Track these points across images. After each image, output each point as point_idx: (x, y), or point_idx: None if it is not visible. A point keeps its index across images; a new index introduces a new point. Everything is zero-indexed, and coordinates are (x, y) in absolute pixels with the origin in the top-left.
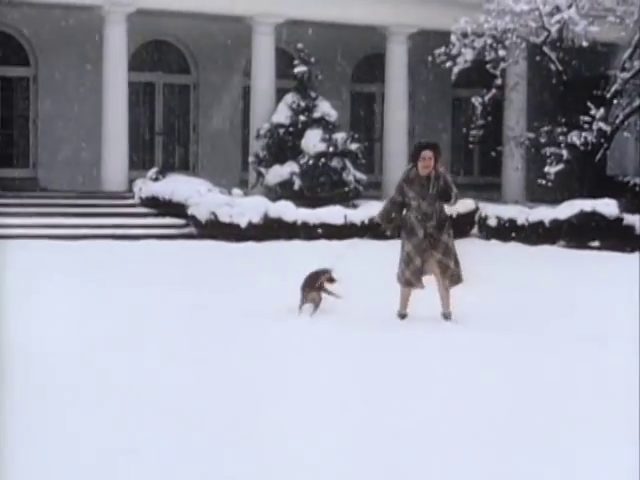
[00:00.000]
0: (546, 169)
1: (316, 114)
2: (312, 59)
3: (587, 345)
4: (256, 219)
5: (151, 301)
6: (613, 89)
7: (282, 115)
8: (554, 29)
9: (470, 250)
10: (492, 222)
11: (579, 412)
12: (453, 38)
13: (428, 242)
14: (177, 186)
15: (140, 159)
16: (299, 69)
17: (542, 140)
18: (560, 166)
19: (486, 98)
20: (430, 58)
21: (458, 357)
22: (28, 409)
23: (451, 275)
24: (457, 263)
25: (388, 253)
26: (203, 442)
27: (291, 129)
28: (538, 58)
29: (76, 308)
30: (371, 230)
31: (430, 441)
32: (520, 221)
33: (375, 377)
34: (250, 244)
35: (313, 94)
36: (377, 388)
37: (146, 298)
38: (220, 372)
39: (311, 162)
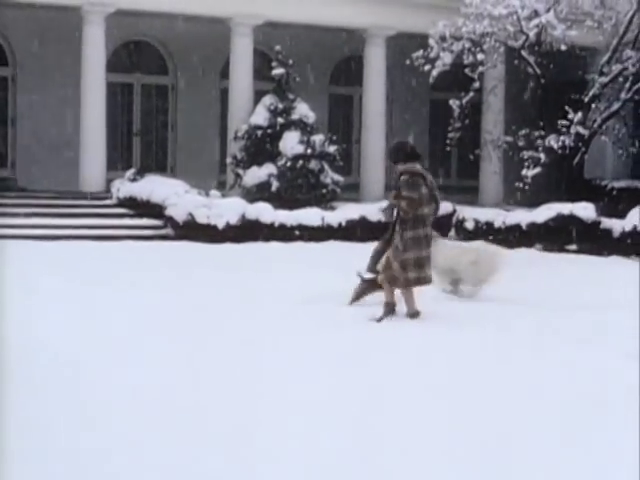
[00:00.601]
0: (523, 172)
1: (294, 116)
2: (290, 61)
3: (570, 346)
4: (233, 220)
5: (137, 301)
6: (591, 93)
7: (260, 117)
8: (532, 33)
9: None
10: (469, 225)
11: (566, 414)
12: (431, 41)
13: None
14: (155, 187)
15: (118, 160)
16: (277, 71)
17: (520, 143)
18: (537, 169)
19: (464, 101)
20: (408, 61)
21: (441, 358)
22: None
23: (389, 276)
24: (402, 268)
25: None
26: (202, 438)
27: (269, 131)
28: (516, 62)
29: (62, 308)
30: None
31: (425, 443)
32: (497, 224)
33: (366, 377)
34: (227, 245)
35: (291, 96)
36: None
37: (131, 299)
38: (216, 370)
39: (289, 164)
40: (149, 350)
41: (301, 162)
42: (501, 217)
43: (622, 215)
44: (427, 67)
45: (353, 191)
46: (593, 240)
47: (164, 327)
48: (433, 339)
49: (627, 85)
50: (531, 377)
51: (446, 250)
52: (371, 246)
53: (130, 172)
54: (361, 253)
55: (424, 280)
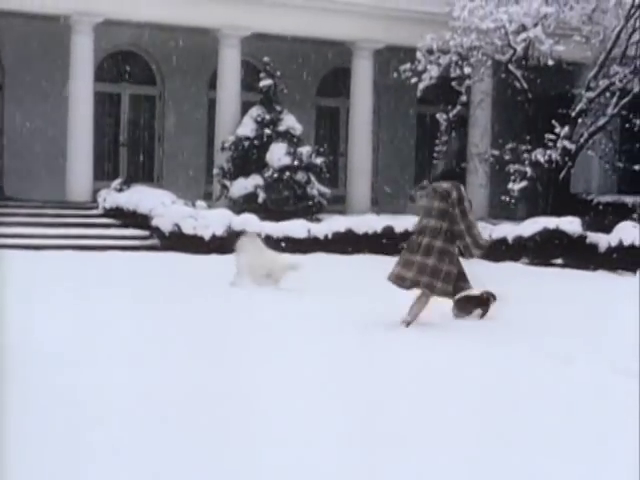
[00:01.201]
0: (510, 186)
1: (281, 127)
2: (278, 72)
3: (554, 361)
4: (220, 232)
5: (127, 310)
6: (578, 108)
7: (247, 128)
8: (520, 47)
9: None
10: None
11: (543, 425)
12: (419, 54)
13: None
14: (141, 197)
15: (105, 170)
16: (265, 82)
17: (506, 157)
18: (524, 183)
19: (451, 115)
20: (396, 74)
21: (431, 366)
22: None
23: None
24: None
25: None
26: (195, 435)
27: (256, 142)
28: (503, 76)
29: (44, 317)
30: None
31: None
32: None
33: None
34: (213, 257)
35: (278, 107)
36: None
37: (115, 309)
38: (210, 370)
39: (276, 175)
40: (136, 354)
41: (288, 174)
42: (487, 230)
43: (608, 230)
44: (414, 80)
45: (339, 203)
46: (579, 254)
47: (143, 335)
48: (426, 350)
49: (614, 100)
50: (517, 392)
51: (261, 252)
52: (357, 258)
53: (117, 182)
54: (343, 266)
55: (389, 275)
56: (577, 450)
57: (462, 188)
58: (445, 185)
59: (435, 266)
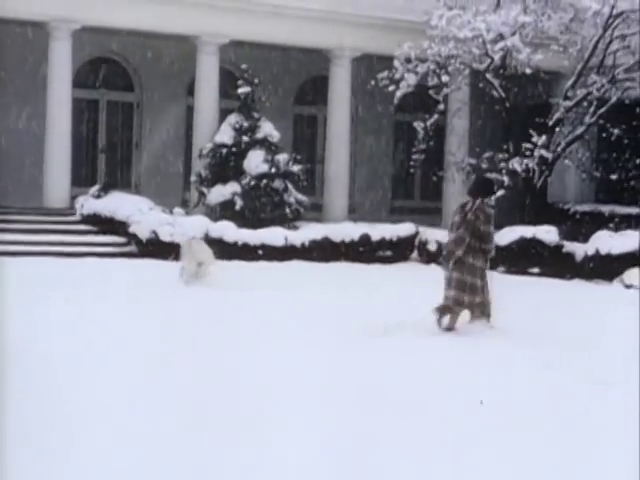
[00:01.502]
0: None
1: (259, 135)
2: (256, 80)
3: (535, 367)
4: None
5: (110, 314)
6: (555, 117)
7: (225, 135)
8: (497, 56)
9: (409, 274)
10: (432, 246)
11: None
12: (396, 63)
13: None
14: (119, 204)
15: (82, 176)
16: (243, 90)
17: (483, 166)
18: (501, 192)
19: (428, 123)
20: (373, 82)
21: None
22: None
23: None
24: None
25: None
26: (192, 433)
27: (234, 149)
28: (481, 85)
29: (40, 322)
30: None
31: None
32: None
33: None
34: None
35: (256, 115)
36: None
37: (90, 314)
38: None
39: (253, 183)
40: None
41: (265, 181)
42: None
43: (585, 239)
44: (392, 88)
45: (317, 211)
46: (556, 263)
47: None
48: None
49: (591, 109)
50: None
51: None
52: (333, 266)
53: (94, 189)
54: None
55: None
56: (574, 453)
57: (479, 201)
58: (464, 200)
59: (459, 279)
